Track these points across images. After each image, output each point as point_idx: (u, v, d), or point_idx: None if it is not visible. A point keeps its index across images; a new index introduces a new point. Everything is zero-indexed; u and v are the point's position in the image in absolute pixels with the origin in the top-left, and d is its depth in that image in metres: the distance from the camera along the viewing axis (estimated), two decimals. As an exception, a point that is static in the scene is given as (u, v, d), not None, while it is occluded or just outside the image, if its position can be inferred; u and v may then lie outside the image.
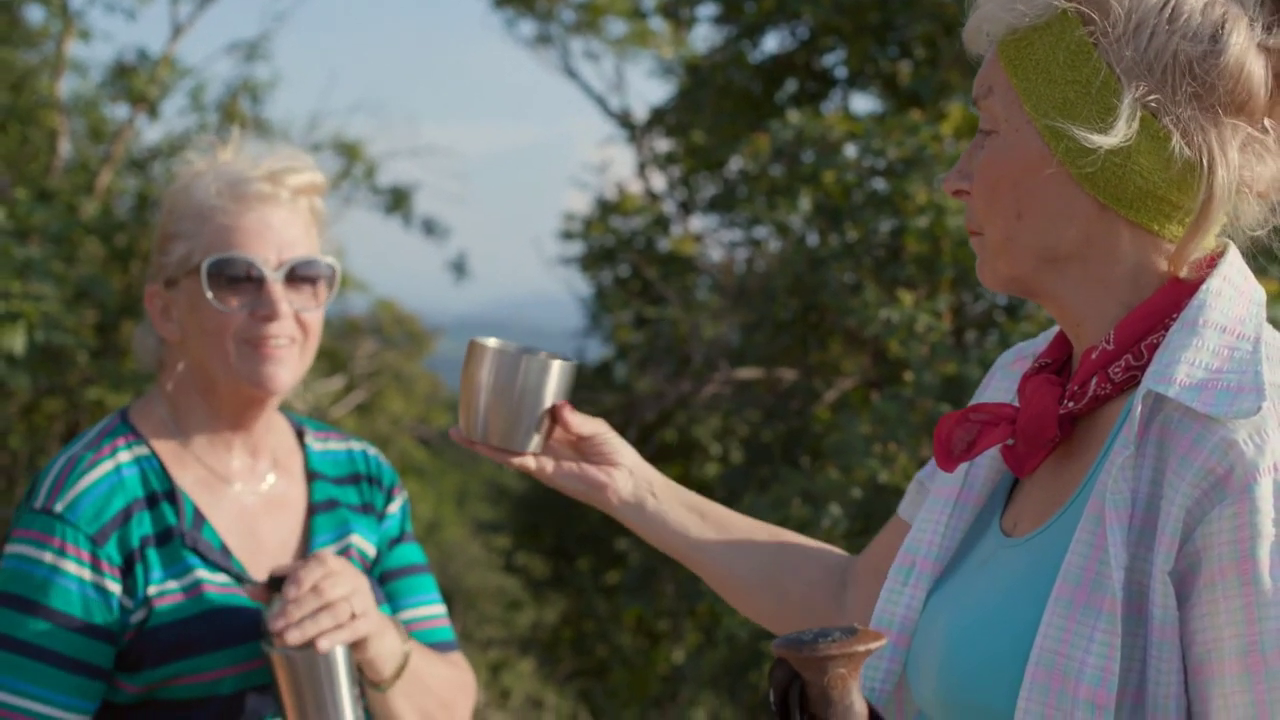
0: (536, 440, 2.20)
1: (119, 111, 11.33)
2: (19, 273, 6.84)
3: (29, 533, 2.55)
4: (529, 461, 2.25)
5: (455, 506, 23.53)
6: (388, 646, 2.62)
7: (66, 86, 10.95)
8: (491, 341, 2.23)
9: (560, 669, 11.17)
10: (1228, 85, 1.78)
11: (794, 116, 7.08)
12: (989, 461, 2.02)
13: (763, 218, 7.61)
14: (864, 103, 18.58)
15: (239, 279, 2.64)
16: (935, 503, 2.04)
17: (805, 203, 7.41)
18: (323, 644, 2.45)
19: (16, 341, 6.77)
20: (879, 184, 6.95)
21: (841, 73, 10.09)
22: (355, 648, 2.53)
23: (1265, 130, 1.82)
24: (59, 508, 2.56)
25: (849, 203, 6.91)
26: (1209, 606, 1.67)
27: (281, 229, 2.67)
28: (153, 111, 11.06)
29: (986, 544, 1.97)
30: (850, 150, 7.03)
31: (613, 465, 2.32)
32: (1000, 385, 2.13)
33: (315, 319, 2.72)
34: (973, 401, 2.11)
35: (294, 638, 2.42)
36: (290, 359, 2.69)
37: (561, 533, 11.45)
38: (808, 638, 1.44)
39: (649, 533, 2.35)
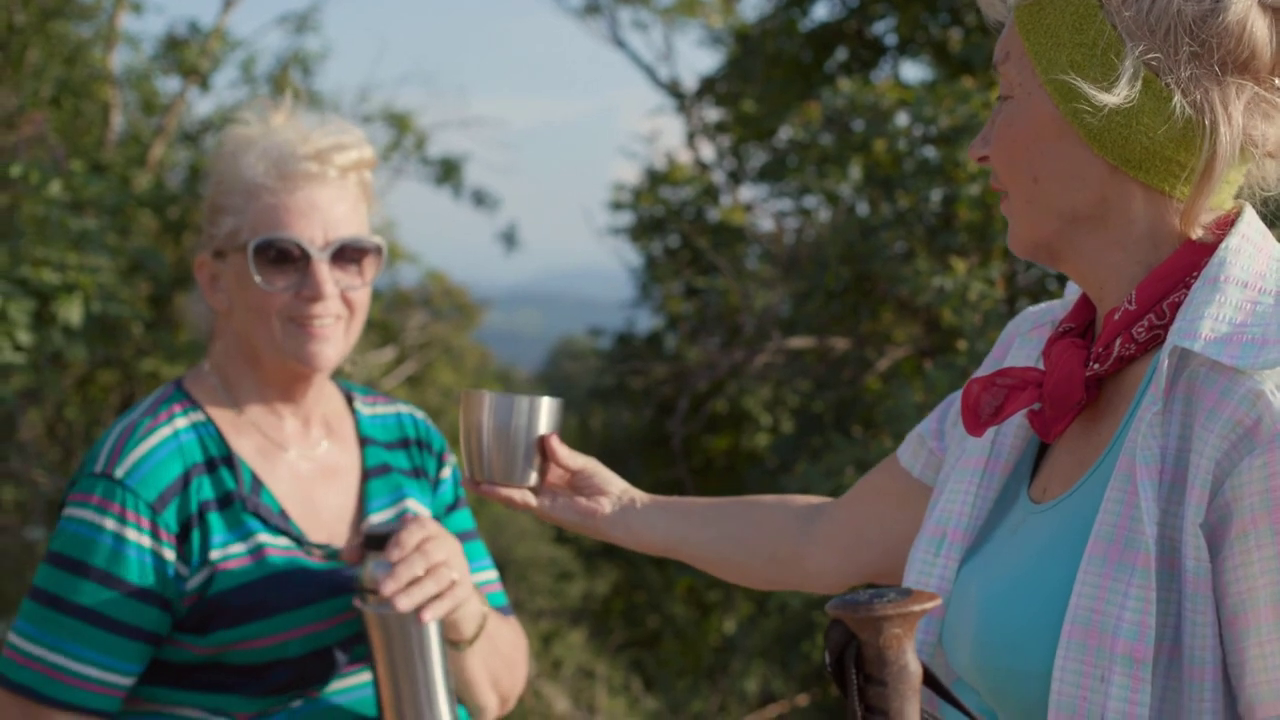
0: (534, 475, 2.40)
1: (171, 84, 11.37)
2: (75, 244, 6.88)
3: (89, 497, 2.58)
4: (529, 497, 2.43)
5: (505, 478, 23.59)
6: (472, 608, 2.65)
7: (119, 59, 10.99)
8: (486, 394, 2.43)
9: (611, 640, 11.20)
10: (1229, 45, 1.79)
11: (845, 85, 7.05)
12: (1015, 429, 2.05)
13: (812, 187, 7.58)
14: (914, 71, 18.45)
15: (285, 259, 2.66)
16: (963, 473, 2.07)
17: (855, 171, 7.38)
18: (426, 615, 2.49)
19: (74, 313, 6.81)
20: (930, 152, 6.91)
21: (891, 40, 10.03)
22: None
23: (1275, 89, 1.83)
24: (119, 473, 2.58)
25: (900, 171, 6.88)
26: (1242, 557, 1.69)
27: (328, 208, 2.69)
28: (204, 84, 11.08)
29: (1016, 512, 1.99)
30: (901, 118, 7.00)
31: (602, 494, 2.49)
32: (1020, 352, 2.15)
33: (361, 296, 2.75)
34: (989, 368, 2.14)
35: (404, 605, 2.45)
36: (335, 336, 2.71)
37: (613, 503, 11.46)
38: (863, 599, 1.46)
39: (637, 543, 2.52)
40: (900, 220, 6.64)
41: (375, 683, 2.57)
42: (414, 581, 2.47)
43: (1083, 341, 1.96)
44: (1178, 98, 1.80)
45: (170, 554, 2.58)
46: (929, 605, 1.47)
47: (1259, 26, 1.80)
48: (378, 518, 2.79)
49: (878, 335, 7.28)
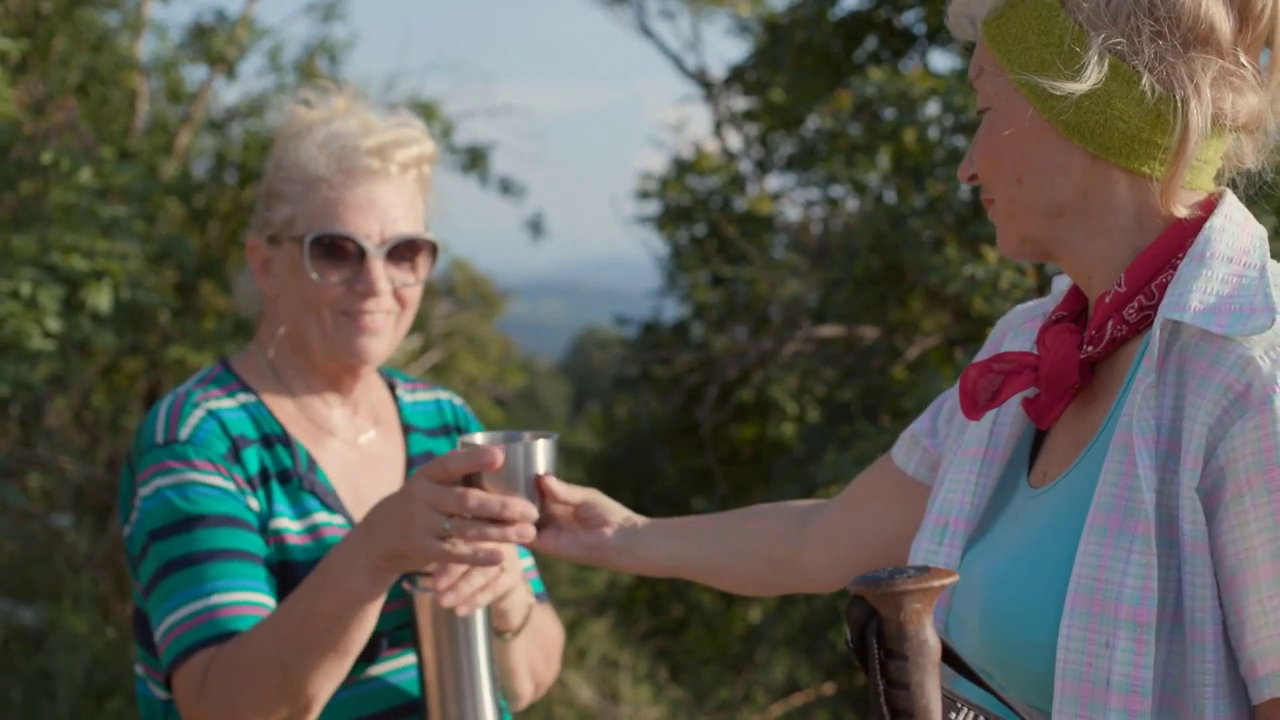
0: (535, 511, 2.38)
1: (197, 72, 11.38)
2: (105, 231, 6.89)
3: (159, 465, 2.58)
4: (533, 533, 2.40)
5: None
6: (520, 598, 2.67)
7: (146, 47, 11.02)
8: (479, 437, 2.46)
9: (636, 629, 11.20)
10: (1188, 21, 1.86)
11: (876, 73, 7.03)
12: (1012, 419, 2.10)
13: (840, 176, 7.57)
14: (943, 60, 18.40)
15: (341, 254, 2.67)
16: (963, 463, 2.11)
17: (884, 160, 7.37)
18: (462, 610, 2.48)
19: (103, 300, 6.82)
20: (960, 141, 6.89)
21: (921, 29, 10.00)
22: (496, 597, 2.56)
23: (1240, 64, 1.90)
24: (183, 435, 2.60)
25: (930, 160, 6.87)
26: (1238, 518, 1.74)
27: (387, 205, 2.69)
28: (231, 72, 11.10)
29: (1018, 499, 2.04)
30: (931, 107, 6.98)
31: (606, 525, 2.55)
32: (1013, 344, 2.21)
33: (414, 293, 2.76)
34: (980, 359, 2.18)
35: (449, 600, 2.45)
36: (385, 331, 2.73)
37: (639, 492, 11.47)
38: (884, 575, 1.51)
39: (643, 567, 2.58)
40: (930, 209, 6.63)
41: (420, 665, 2.57)
42: (464, 574, 2.46)
43: (1075, 326, 2.01)
44: (1146, 78, 1.86)
45: (254, 502, 2.60)
46: (948, 581, 1.51)
47: (1212, 2, 1.87)
48: None
49: (906, 324, 7.27)
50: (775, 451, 10.27)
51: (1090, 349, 1.95)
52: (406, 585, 2.55)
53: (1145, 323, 1.91)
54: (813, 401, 10.03)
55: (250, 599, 2.50)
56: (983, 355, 2.25)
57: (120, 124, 10.68)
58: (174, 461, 2.57)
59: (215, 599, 2.48)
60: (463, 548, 2.29)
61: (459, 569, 2.45)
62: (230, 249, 9.79)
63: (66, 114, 6.75)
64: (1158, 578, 1.75)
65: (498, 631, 2.67)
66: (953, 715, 1.55)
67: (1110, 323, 1.93)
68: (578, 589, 12.71)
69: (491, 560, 2.32)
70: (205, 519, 2.52)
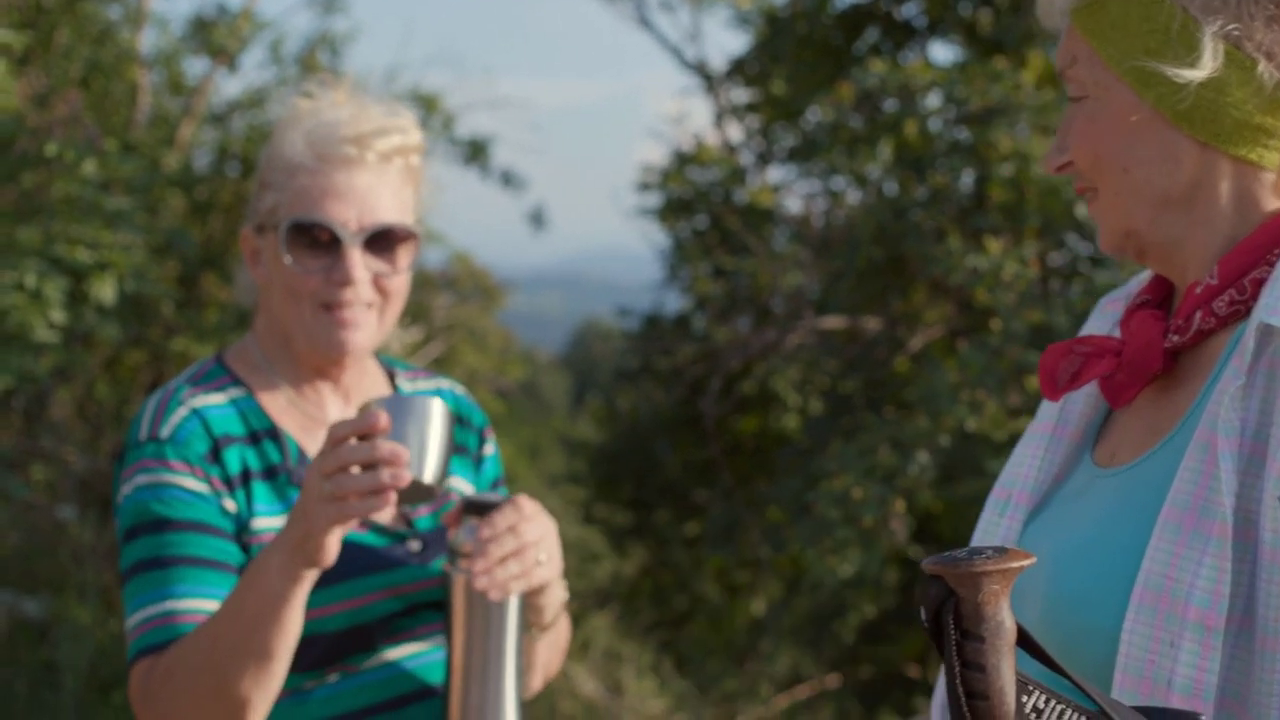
0: (406, 453, 2.33)
1: (199, 65, 11.38)
2: (108, 223, 6.90)
3: (139, 464, 2.58)
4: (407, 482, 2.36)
5: (529, 459, 23.67)
6: (556, 594, 2.65)
7: (147, 40, 11.02)
8: (374, 403, 2.40)
9: (640, 621, 11.21)
10: None
11: (877, 65, 7.04)
12: (1084, 396, 2.06)
13: (841, 168, 7.58)
14: (943, 52, 18.35)
15: (317, 242, 2.64)
16: (1031, 437, 2.09)
17: (885, 152, 7.37)
18: (494, 595, 2.47)
19: (107, 292, 6.84)
20: (961, 133, 6.90)
21: (921, 22, 10.00)
22: (533, 590, 2.56)
23: None
24: (164, 434, 2.58)
25: (931, 151, 6.88)
26: None
27: (366, 192, 2.65)
28: (232, 65, 11.11)
29: (1080, 475, 2.00)
30: (933, 99, 6.99)
31: None
32: (1095, 323, 2.17)
33: (395, 284, 2.71)
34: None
35: (481, 584, 2.44)
36: (366, 323, 2.69)
37: (641, 484, 11.48)
38: (962, 555, 1.48)
39: None
40: (932, 200, 6.64)
41: (448, 647, 2.57)
42: (501, 561, 2.46)
43: (1161, 313, 1.97)
44: (1263, 64, 1.82)
45: (230, 504, 2.58)
46: (1026, 562, 1.47)
47: None
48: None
49: (909, 315, 7.28)
50: (778, 443, 10.28)
51: (1176, 339, 1.91)
52: (446, 566, 2.54)
53: (1234, 316, 1.87)
54: (815, 393, 10.04)
55: (206, 606, 2.49)
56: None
57: (122, 117, 10.69)
58: (151, 461, 2.56)
59: (170, 604, 2.47)
60: (350, 504, 2.27)
61: (497, 553, 2.45)
62: (232, 241, 9.81)
63: (70, 106, 6.76)
64: (1230, 582, 1.72)
65: (529, 625, 2.66)
66: (1024, 698, 1.50)
67: (1199, 314, 1.88)
68: (581, 581, 12.71)
69: (377, 506, 2.28)
70: (173, 523, 2.52)
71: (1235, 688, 1.74)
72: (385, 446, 2.29)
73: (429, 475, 2.38)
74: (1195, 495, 1.76)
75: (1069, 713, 1.51)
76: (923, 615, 1.51)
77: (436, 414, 2.39)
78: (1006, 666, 1.49)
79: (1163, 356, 1.92)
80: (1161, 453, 1.88)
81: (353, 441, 2.29)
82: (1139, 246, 1.95)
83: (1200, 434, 1.79)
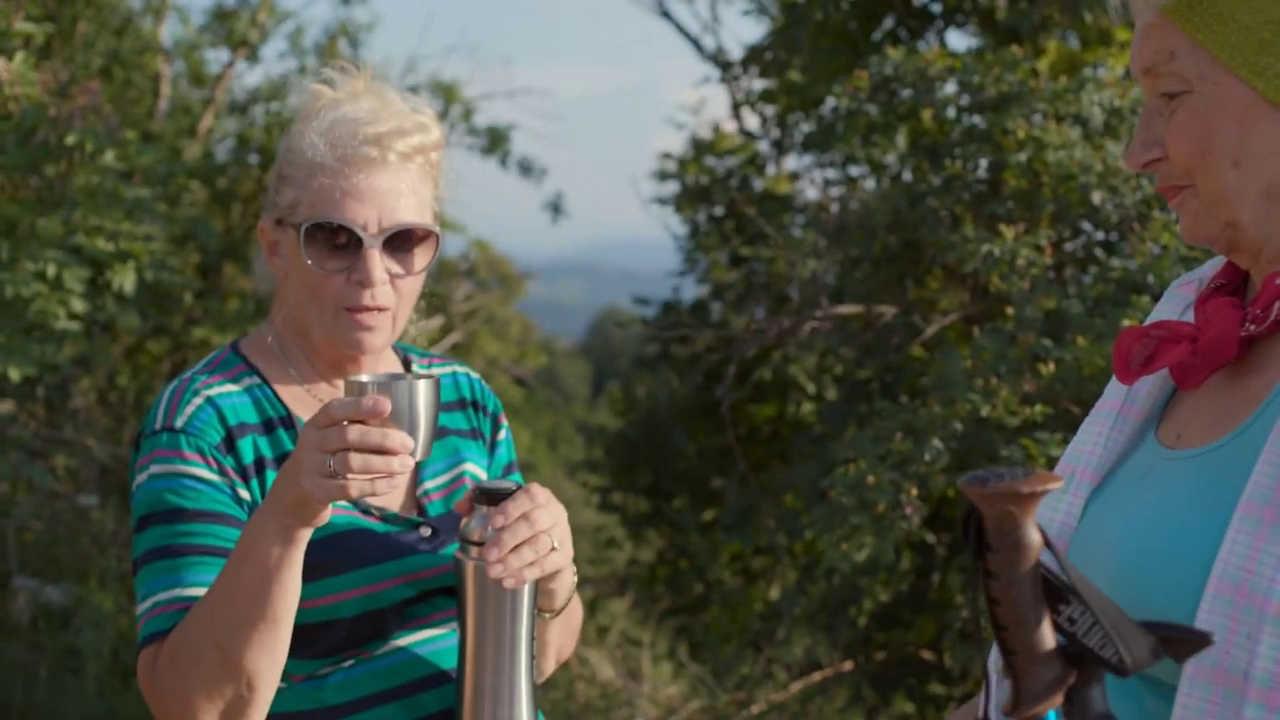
0: (412, 442, 2.36)
1: (219, 56, 11.44)
2: (129, 213, 6.95)
3: (154, 453, 2.59)
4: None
5: (548, 448, 23.65)
6: (567, 580, 2.68)
7: (168, 31, 11.09)
8: (364, 376, 2.43)
9: (656, 607, 11.22)
10: None
11: (893, 53, 7.04)
12: (1154, 377, 2.07)
13: (858, 156, 7.58)
14: (959, 40, 18.31)
15: (338, 244, 2.64)
16: (1098, 415, 2.10)
17: (902, 140, 7.38)
18: (509, 584, 2.47)
19: (127, 280, 6.89)
20: (977, 120, 6.90)
21: (937, 8, 9.99)
22: (545, 575, 2.56)
23: None
24: (179, 423, 2.60)
25: (947, 139, 6.88)
26: None
27: (385, 193, 2.65)
28: (253, 55, 11.16)
29: (1144, 455, 2.01)
30: (949, 86, 6.99)
31: None
32: (1166, 307, 2.16)
33: (409, 284, 2.72)
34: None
35: (495, 572, 2.45)
36: (383, 324, 2.70)
37: (658, 471, 11.49)
38: (990, 476, 1.58)
39: None
40: (947, 188, 6.64)
41: (460, 633, 2.58)
42: (514, 549, 2.46)
43: (1236, 300, 1.97)
44: None
45: (244, 493, 2.60)
46: (1046, 487, 1.56)
47: None
48: (432, 484, 2.82)
49: (924, 302, 7.29)
50: (794, 430, 10.29)
51: (1253, 328, 1.90)
52: (458, 554, 2.55)
53: None
54: (831, 380, 10.06)
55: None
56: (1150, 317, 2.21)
57: (143, 107, 10.75)
58: (166, 450, 2.58)
59: (179, 591, 2.48)
60: (353, 482, 2.29)
61: (510, 541, 2.45)
62: (252, 231, 9.86)
63: (90, 96, 6.81)
64: None
65: (540, 610, 2.68)
66: (1062, 606, 1.61)
67: (1277, 304, 1.88)
68: (598, 568, 12.74)
69: (377, 490, 2.31)
70: (186, 513, 2.53)
71: None
72: (397, 437, 2.31)
73: (419, 454, 2.39)
74: (1276, 489, 1.75)
75: (1096, 625, 1.59)
76: (960, 528, 1.62)
77: (424, 395, 2.39)
78: (1023, 576, 1.59)
79: (1238, 344, 1.91)
80: (1237, 441, 1.87)
81: (353, 425, 2.29)
82: (1233, 239, 1.93)
83: (1279, 428, 1.78)
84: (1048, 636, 1.60)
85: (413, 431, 2.37)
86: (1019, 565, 1.58)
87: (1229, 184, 1.88)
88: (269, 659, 2.42)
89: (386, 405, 2.32)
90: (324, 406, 2.33)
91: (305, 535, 2.39)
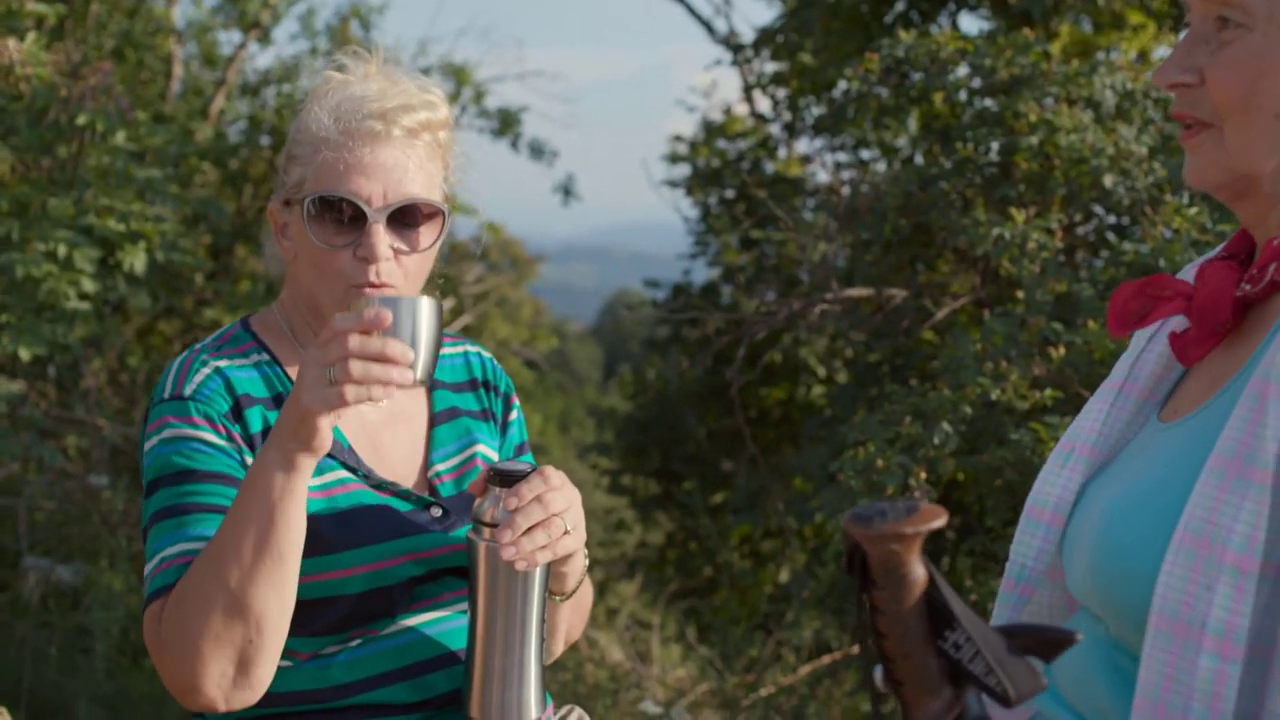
0: (411, 354, 2.36)
1: (231, 37, 11.45)
2: (140, 194, 6.96)
3: (162, 419, 2.60)
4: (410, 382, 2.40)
5: (559, 430, 23.68)
6: (578, 563, 2.68)
7: (180, 13, 11.09)
8: (361, 302, 2.41)
9: (666, 589, 11.24)
10: None
11: (904, 35, 7.02)
12: (1156, 354, 2.06)
13: (869, 139, 7.57)
14: (971, 23, 18.25)
15: (341, 219, 2.63)
16: (1101, 392, 2.10)
17: (913, 123, 7.36)
18: (521, 566, 2.47)
19: (138, 261, 6.90)
20: (988, 103, 6.88)
21: (950, -9, 9.98)
22: (557, 558, 2.56)
23: None
24: (187, 391, 2.60)
25: (959, 122, 6.86)
26: None
27: (391, 168, 2.63)
28: (265, 37, 11.16)
29: (1145, 432, 2.01)
30: (961, 69, 6.97)
31: None
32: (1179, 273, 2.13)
33: (418, 261, 2.70)
34: None
35: (508, 555, 2.45)
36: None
37: (668, 453, 11.51)
38: (872, 513, 1.62)
39: None
40: (958, 171, 6.63)
41: (471, 614, 2.58)
42: (527, 531, 2.46)
43: (1237, 265, 1.95)
44: None
45: (250, 460, 2.59)
46: (930, 526, 1.60)
47: None
48: (444, 465, 2.81)
49: (935, 285, 7.27)
50: (804, 412, 10.30)
51: (1248, 288, 1.88)
52: (471, 534, 2.55)
53: None
54: (841, 362, 10.06)
55: None
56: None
57: (155, 88, 10.75)
58: (174, 416, 2.58)
59: (184, 545, 2.48)
60: (350, 389, 2.29)
61: (523, 524, 2.45)
62: (263, 213, 9.87)
63: (102, 77, 6.81)
64: (1266, 528, 1.71)
65: (551, 592, 2.68)
66: (948, 633, 1.64)
67: (1273, 266, 1.86)
68: (608, 550, 12.76)
69: (374, 397, 2.31)
70: (195, 474, 2.53)
71: (1268, 634, 1.73)
72: (397, 346, 2.32)
73: (420, 372, 2.39)
74: (1242, 442, 1.75)
75: (978, 651, 1.63)
76: (844, 564, 1.66)
77: (427, 312, 2.39)
78: (909, 612, 1.63)
79: (1232, 306, 1.90)
80: (1216, 404, 1.87)
81: (353, 335, 2.30)
82: (1242, 190, 1.91)
83: (1253, 383, 1.78)
84: (934, 667, 1.65)
85: (416, 349, 2.37)
86: (904, 601, 1.62)
87: (1262, 134, 1.84)
88: (277, 599, 2.40)
89: (388, 317, 2.32)
90: (328, 324, 2.34)
91: (308, 463, 2.39)
